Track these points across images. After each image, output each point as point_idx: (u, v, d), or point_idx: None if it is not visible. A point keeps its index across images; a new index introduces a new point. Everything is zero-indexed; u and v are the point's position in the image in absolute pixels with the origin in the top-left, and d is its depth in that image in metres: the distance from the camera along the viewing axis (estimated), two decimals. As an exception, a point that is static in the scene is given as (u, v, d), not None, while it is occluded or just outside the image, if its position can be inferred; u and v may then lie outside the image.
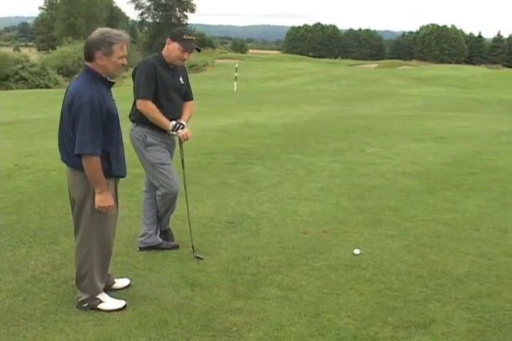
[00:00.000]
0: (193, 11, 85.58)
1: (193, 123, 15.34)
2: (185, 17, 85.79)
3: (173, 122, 5.25)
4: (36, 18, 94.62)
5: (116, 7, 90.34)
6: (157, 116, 5.18)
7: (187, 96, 5.57)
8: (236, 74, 29.92)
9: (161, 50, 5.33)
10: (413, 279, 5.01)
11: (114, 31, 4.04)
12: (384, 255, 5.57)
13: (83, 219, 4.21)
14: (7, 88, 48.62)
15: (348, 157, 10.67)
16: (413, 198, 7.74)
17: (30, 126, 15.18)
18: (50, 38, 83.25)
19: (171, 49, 5.22)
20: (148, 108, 5.16)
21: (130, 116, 5.37)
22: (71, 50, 60.35)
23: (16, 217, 6.56)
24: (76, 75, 4.21)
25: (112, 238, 4.40)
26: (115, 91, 4.32)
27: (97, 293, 4.33)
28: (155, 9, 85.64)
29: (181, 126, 5.28)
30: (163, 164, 5.36)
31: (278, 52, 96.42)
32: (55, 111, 18.79)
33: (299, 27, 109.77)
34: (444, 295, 4.71)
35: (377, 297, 4.64)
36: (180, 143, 5.50)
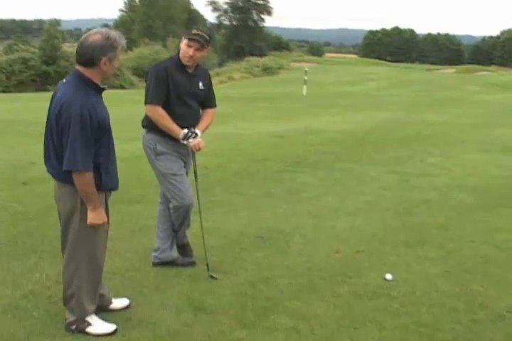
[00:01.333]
0: (269, 13, 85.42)
1: (253, 127, 15.13)
2: (262, 20, 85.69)
3: (185, 130, 4.85)
4: (116, 20, 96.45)
5: (194, 9, 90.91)
6: (167, 123, 4.80)
7: (208, 103, 5.15)
8: (306, 77, 29.35)
9: (178, 52, 4.95)
10: (446, 313, 4.44)
11: (115, 33, 3.66)
12: (419, 282, 5.00)
13: (70, 235, 3.86)
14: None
15: (404, 167, 10.04)
16: (465, 215, 7.09)
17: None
18: (129, 40, 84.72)
19: (181, 47, 4.86)
20: (158, 114, 4.79)
21: (142, 121, 5.01)
22: (147, 51, 61.21)
23: (37, 224, 6.34)
24: (64, 79, 3.83)
25: (102, 255, 4.03)
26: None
27: (86, 315, 3.97)
28: (232, 12, 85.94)
29: (193, 135, 4.87)
30: (174, 175, 4.97)
31: (355, 56, 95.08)
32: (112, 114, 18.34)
33: (377, 31, 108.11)
34: (477, 334, 4.13)
35: (399, 333, 4.10)
36: (193, 153, 5.09)
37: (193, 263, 5.24)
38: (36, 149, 11.82)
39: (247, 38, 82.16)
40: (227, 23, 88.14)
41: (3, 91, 47.51)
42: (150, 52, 61.07)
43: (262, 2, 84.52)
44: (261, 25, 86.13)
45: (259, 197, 7.78)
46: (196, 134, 4.90)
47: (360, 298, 4.66)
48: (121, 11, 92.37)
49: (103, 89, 3.74)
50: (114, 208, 7.06)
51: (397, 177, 9.13)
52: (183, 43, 4.83)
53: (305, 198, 7.78)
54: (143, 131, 4.99)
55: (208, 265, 5.08)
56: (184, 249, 5.34)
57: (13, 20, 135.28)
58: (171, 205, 5.08)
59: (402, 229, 6.49)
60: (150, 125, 4.87)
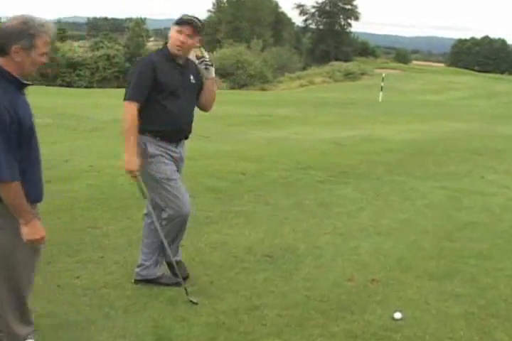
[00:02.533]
0: (357, 19, 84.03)
1: (311, 133, 14.45)
2: (349, 25, 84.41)
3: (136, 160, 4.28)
4: (204, 21, 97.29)
5: (282, 12, 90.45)
6: (132, 130, 4.24)
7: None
8: (382, 83, 28.38)
9: (166, 43, 4.38)
10: (454, 368, 3.65)
11: (39, 20, 3.04)
12: (432, 324, 4.20)
13: None
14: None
15: (460, 183, 9.11)
16: (513, 244, 6.19)
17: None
18: (216, 40, 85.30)
19: (171, 35, 4.30)
20: (130, 115, 4.20)
21: None
22: (230, 52, 61.26)
23: None
24: None
25: (27, 280, 3.40)
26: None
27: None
28: (319, 16, 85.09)
29: None
30: (168, 179, 4.37)
31: (442, 64, 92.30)
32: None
33: (466, 40, 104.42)
34: None
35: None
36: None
37: (178, 284, 4.59)
38: (75, 145, 11.62)
39: (332, 42, 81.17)
40: (313, 26, 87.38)
41: (86, 87, 48.57)
42: (233, 53, 61.10)
43: (349, 7, 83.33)
44: (347, 30, 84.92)
45: (287, 210, 7.10)
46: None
47: (355, 340, 3.91)
48: (209, 11, 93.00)
49: (26, 84, 3.13)
50: (127, 213, 6.62)
51: (447, 194, 8.23)
52: (173, 30, 4.28)
53: (336, 213, 7.04)
54: None
55: (186, 289, 4.44)
56: (174, 267, 4.68)
57: (106, 19, 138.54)
58: (164, 215, 4.46)
59: (435, 255, 5.67)
60: (140, 126, 4.27)
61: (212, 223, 6.45)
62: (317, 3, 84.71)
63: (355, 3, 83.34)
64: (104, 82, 52.95)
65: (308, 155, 11.17)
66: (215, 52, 64.13)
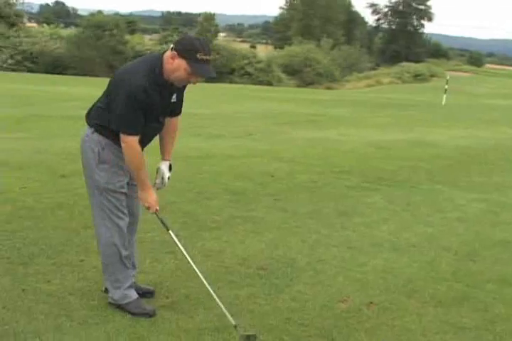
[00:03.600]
0: (430, 19, 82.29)
1: (357, 134, 13.95)
2: (422, 26, 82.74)
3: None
4: (276, 17, 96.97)
5: (355, 11, 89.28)
6: (143, 169, 3.79)
7: (174, 112, 4.04)
8: (446, 86, 27.34)
9: (161, 64, 3.65)
10: None
11: None
12: (421, 362, 3.66)
13: None
14: (231, 81, 50.10)
15: (503, 196, 8.39)
16: (545, 269, 5.50)
17: (182, 121, 14.50)
18: (287, 37, 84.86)
19: (175, 67, 3.59)
20: (137, 152, 3.71)
21: (89, 117, 3.90)
22: (299, 49, 60.83)
23: (31, 224, 5.69)
24: None
25: None
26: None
27: None
28: (392, 15, 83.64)
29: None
30: (114, 191, 3.88)
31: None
32: (221, 108, 18.04)
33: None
34: None
35: None
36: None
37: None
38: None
39: (404, 42, 79.72)
40: (385, 26, 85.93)
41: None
42: (302, 50, 60.71)
43: (423, 7, 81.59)
44: (420, 31, 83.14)
45: (302, 218, 6.61)
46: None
47: (323, 376, 3.41)
48: (282, 8, 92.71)
49: None
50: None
51: (485, 209, 7.55)
52: (182, 67, 3.57)
53: (354, 224, 6.50)
54: (87, 128, 3.93)
55: (236, 327, 3.91)
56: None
57: (179, 13, 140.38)
58: (102, 229, 4.00)
59: (449, 278, 5.07)
60: (99, 124, 3.78)
61: (215, 229, 6.02)
62: (390, 2, 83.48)
63: (428, 3, 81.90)
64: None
65: (347, 158, 10.61)
66: (282, 50, 63.92)
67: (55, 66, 49.71)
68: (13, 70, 43.05)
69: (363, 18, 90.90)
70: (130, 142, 3.67)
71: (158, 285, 4.52)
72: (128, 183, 3.98)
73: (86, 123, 3.90)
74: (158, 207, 3.93)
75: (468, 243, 6.09)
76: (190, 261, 3.99)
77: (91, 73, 46.06)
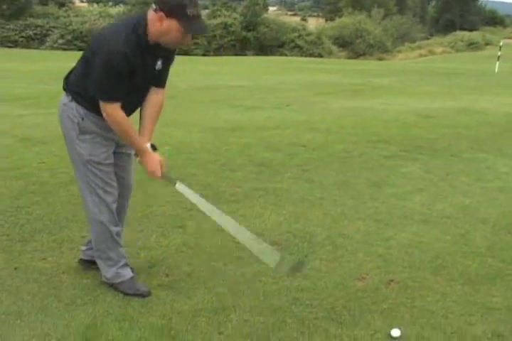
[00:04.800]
0: (486, -15, 79.40)
1: (402, 103, 13.37)
2: (478, -8, 80.00)
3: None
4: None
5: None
6: (132, 132, 3.42)
7: (158, 82, 3.56)
8: (499, 53, 26.12)
9: (145, 25, 3.26)
10: None
11: None
12: (440, 349, 3.23)
13: None
14: (281, 55, 49.50)
15: (553, 164, 7.77)
16: None
17: (218, 93, 14.17)
18: (338, 9, 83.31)
19: (165, 29, 3.22)
20: (120, 117, 3.32)
21: (67, 83, 3.52)
22: (349, 21, 59.64)
23: (40, 199, 5.52)
24: None
25: None
26: None
27: None
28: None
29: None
30: (99, 163, 3.52)
31: None
32: (263, 80, 17.55)
33: None
34: None
35: None
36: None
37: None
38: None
39: (458, 11, 77.28)
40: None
41: (203, 55, 48.76)
42: (352, 21, 59.48)
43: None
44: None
45: (329, 189, 6.18)
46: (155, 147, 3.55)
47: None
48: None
49: None
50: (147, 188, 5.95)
51: (532, 177, 6.98)
52: (174, 27, 3.20)
53: (385, 195, 6.04)
54: (63, 96, 3.56)
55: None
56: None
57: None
58: (89, 204, 3.67)
59: (484, 252, 4.59)
60: (77, 92, 3.42)
61: (233, 201, 5.66)
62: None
63: (484, -32, 78.68)
64: (220, 50, 52.95)
65: (387, 127, 10.07)
66: (332, 22, 62.76)
67: (104, 44, 49.98)
68: (64, 49, 43.20)
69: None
70: (110, 110, 3.31)
71: (160, 262, 4.20)
72: (115, 152, 3.63)
73: (63, 90, 3.54)
74: (162, 171, 3.56)
75: (508, 215, 5.56)
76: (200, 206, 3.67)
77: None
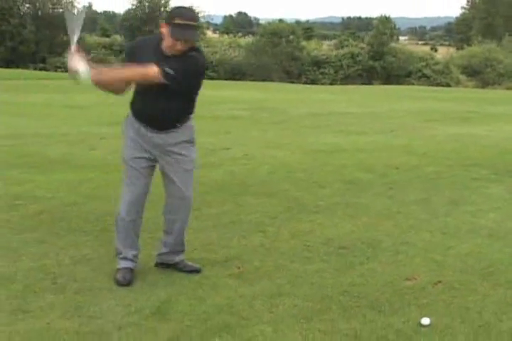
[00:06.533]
0: None
1: (509, 130, 13.12)
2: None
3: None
4: (457, 18, 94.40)
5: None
6: (124, 73, 4.07)
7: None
8: None
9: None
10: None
11: None
12: (462, 336, 3.63)
13: None
14: (408, 84, 49.55)
15: None
16: None
17: (326, 119, 14.78)
18: (468, 38, 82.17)
19: (164, 34, 3.94)
20: (141, 71, 3.93)
21: None
22: (479, 49, 58.65)
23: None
24: None
25: None
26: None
27: None
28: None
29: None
30: (125, 162, 4.30)
31: None
32: (374, 107, 18.00)
33: None
34: None
35: None
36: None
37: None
38: (249, 135, 11.83)
39: None
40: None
41: (330, 84, 49.61)
42: (482, 50, 58.41)
43: None
44: None
45: (408, 204, 6.59)
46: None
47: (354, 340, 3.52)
48: (463, 8, 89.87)
49: None
50: (235, 199, 6.60)
51: None
52: (167, 33, 3.92)
53: (459, 212, 6.37)
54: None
55: None
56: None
57: (359, 18, 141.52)
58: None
59: (538, 265, 4.88)
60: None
61: (314, 212, 6.22)
62: None
63: None
64: (347, 80, 53.73)
65: (484, 152, 10.24)
66: (462, 51, 61.75)
67: (234, 73, 52.06)
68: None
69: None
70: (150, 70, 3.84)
71: (235, 258, 4.82)
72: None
73: None
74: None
75: None
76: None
77: (268, 79, 47.59)
